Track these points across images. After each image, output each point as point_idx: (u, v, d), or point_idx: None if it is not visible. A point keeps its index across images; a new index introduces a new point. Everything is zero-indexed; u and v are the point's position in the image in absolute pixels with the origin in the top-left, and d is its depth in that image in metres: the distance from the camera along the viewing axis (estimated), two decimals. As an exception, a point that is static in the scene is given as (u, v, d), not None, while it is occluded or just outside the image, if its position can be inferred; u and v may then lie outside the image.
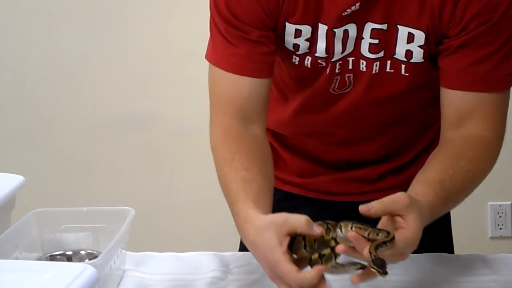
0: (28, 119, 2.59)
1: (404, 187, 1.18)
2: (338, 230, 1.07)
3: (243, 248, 1.33)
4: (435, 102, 1.22)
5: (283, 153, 1.38)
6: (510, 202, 2.65)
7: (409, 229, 1.03)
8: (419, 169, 1.17)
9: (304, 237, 1.05)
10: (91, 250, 1.26)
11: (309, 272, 1.02)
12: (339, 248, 1.03)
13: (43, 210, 1.28)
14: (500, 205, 2.67)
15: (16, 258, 1.19)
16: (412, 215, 1.03)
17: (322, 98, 1.26)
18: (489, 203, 2.61)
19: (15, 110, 2.58)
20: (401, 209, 1.03)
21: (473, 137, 1.17)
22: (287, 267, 1.02)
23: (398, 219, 1.03)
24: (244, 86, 1.20)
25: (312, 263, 1.04)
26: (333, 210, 1.34)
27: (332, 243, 1.05)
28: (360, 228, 1.05)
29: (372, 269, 1.01)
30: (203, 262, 1.31)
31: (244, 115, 1.21)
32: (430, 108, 1.26)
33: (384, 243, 1.02)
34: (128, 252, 1.31)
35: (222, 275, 1.27)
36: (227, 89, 1.21)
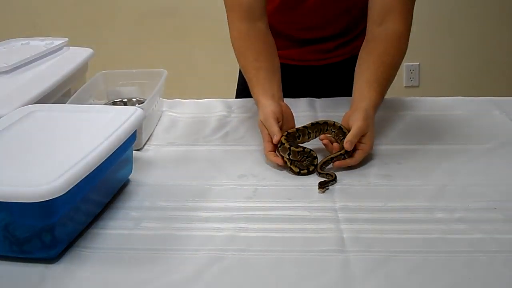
0: (93, 8, 2.59)
1: (350, 55, 1.20)
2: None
3: (239, 95, 1.38)
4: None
5: None
6: (418, 63, 2.73)
7: (365, 143, 0.99)
8: (360, 43, 1.13)
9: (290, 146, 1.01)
10: (139, 98, 1.26)
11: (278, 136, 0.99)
12: (321, 136, 1.02)
13: (107, 72, 1.27)
14: (412, 65, 2.74)
15: (90, 103, 1.20)
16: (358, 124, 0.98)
17: None
18: (404, 64, 2.70)
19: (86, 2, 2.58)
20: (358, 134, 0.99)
21: (392, 32, 1.08)
22: (273, 124, 0.99)
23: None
24: None
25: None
26: (302, 72, 1.36)
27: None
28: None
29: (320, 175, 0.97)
30: (214, 105, 1.31)
31: (251, 16, 1.13)
32: (366, 3, 1.20)
33: (332, 159, 0.98)
34: (164, 99, 1.32)
35: (227, 113, 1.27)
36: None
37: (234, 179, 1.00)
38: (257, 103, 1.07)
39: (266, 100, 1.05)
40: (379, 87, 1.06)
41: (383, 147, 1.08)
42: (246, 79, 1.12)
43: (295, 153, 0.99)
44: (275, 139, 0.98)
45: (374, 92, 1.05)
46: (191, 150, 1.11)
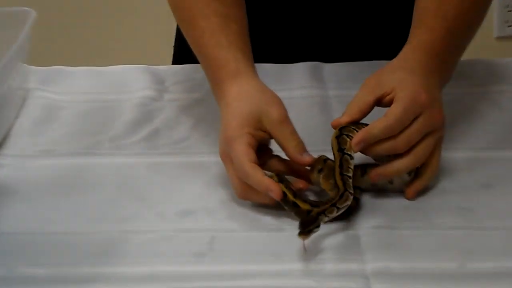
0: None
1: None
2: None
3: (179, 59, 1.30)
4: None
5: None
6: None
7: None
8: None
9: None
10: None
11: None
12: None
13: None
14: None
15: None
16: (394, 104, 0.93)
17: None
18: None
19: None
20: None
21: None
22: (245, 155, 0.93)
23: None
24: None
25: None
26: (299, 18, 1.27)
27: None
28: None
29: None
30: (131, 78, 1.20)
31: None
32: None
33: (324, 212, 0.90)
34: (32, 66, 1.21)
35: (156, 94, 1.15)
36: None
37: (172, 219, 0.93)
38: (215, 87, 1.02)
39: (243, 80, 0.99)
40: (452, 29, 1.00)
41: (457, 154, 1.03)
42: (191, 39, 1.07)
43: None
44: (276, 194, 0.92)
45: (441, 39, 0.98)
46: (86, 165, 1.04)
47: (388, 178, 0.91)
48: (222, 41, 1.02)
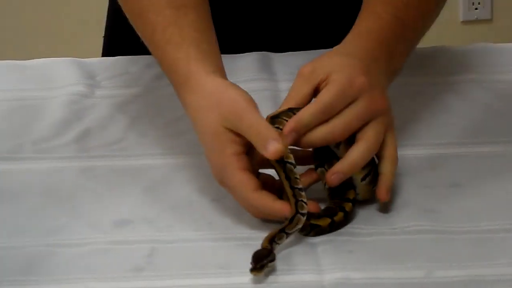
0: None
1: None
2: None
3: (110, 51, 1.29)
4: None
5: None
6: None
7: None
8: None
9: None
10: None
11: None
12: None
13: None
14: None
15: None
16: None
17: None
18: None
19: None
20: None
21: None
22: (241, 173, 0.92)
23: None
24: None
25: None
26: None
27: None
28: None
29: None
30: (57, 73, 1.18)
31: None
32: None
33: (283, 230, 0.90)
34: None
35: (87, 90, 1.14)
36: None
37: (106, 230, 0.93)
38: (177, 94, 0.99)
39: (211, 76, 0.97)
40: (401, 15, 1.00)
41: (420, 151, 1.04)
42: (143, 38, 1.04)
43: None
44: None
45: (388, 23, 0.99)
46: (6, 171, 1.03)
47: (347, 176, 0.90)
48: (173, 37, 1.00)
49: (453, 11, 2.63)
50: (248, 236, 0.89)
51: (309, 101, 0.93)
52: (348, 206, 0.90)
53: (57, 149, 1.03)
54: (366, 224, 0.90)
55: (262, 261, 0.85)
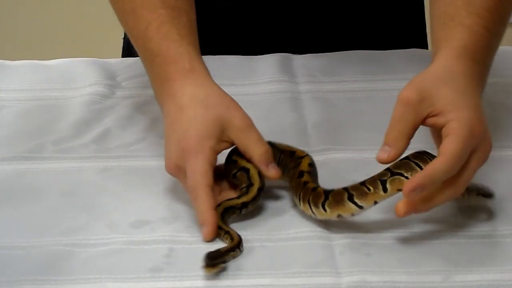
0: None
1: None
2: None
3: (130, 51, 1.27)
4: None
5: None
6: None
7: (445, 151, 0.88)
8: None
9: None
10: None
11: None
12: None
13: None
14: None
15: None
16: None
17: None
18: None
19: None
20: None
21: None
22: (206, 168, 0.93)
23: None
24: None
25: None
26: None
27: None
28: None
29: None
30: (78, 73, 1.19)
31: None
32: None
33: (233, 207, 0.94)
34: None
35: (107, 90, 1.14)
36: None
37: (124, 230, 0.92)
38: (160, 84, 0.99)
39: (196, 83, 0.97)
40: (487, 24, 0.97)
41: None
42: (132, 32, 1.04)
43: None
44: (205, 233, 0.92)
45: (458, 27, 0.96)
46: (27, 171, 1.03)
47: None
48: (172, 34, 1.00)
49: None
50: (266, 238, 0.89)
51: (413, 133, 0.89)
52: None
53: (77, 149, 1.04)
54: (384, 229, 0.89)
55: (216, 260, 0.85)
